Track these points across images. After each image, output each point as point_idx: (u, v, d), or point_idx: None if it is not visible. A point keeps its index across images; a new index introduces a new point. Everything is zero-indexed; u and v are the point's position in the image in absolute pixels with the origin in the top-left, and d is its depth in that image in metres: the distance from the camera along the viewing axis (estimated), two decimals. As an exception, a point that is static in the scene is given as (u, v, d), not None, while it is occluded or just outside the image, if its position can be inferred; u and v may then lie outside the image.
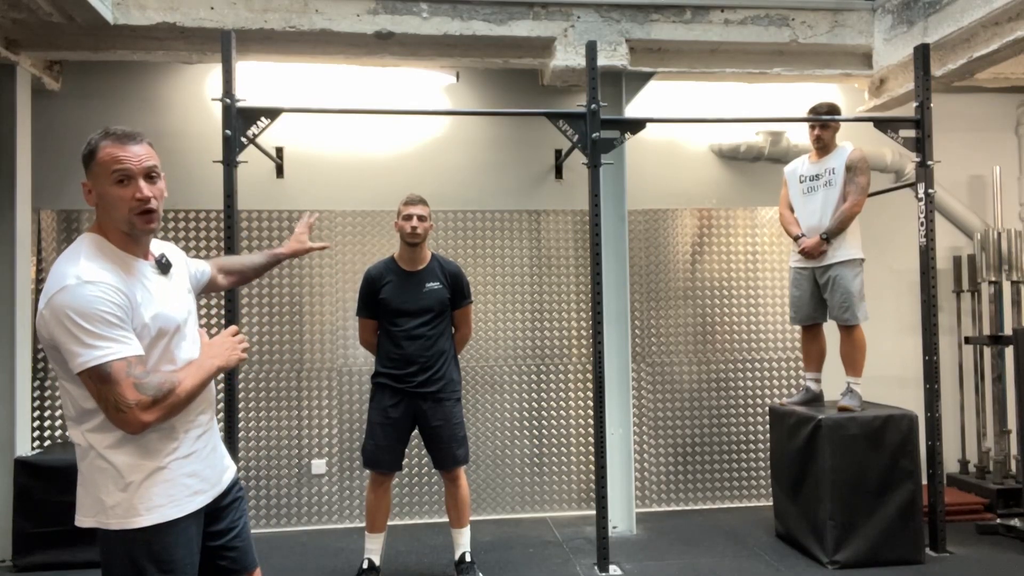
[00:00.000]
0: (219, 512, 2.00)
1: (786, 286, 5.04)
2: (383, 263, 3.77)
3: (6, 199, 4.27)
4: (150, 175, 1.81)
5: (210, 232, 4.82)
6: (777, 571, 3.92)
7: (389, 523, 3.82)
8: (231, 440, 3.65)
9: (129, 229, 1.80)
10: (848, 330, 4.19)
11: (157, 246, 1.97)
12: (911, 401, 4.50)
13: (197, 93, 4.90)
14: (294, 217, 4.90)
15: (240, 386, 4.54)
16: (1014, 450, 5.01)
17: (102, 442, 1.78)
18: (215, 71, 4.70)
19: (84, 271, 1.70)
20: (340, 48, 4.43)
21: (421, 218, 3.65)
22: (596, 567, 3.95)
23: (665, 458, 5.17)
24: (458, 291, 3.76)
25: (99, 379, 1.67)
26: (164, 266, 1.90)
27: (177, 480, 1.83)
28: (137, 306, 1.75)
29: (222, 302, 4.46)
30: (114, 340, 1.68)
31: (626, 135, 4.15)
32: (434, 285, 3.68)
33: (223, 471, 2.02)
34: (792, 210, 4.40)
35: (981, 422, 5.25)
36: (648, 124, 4.25)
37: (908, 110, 4.40)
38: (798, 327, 4.67)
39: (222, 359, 1.92)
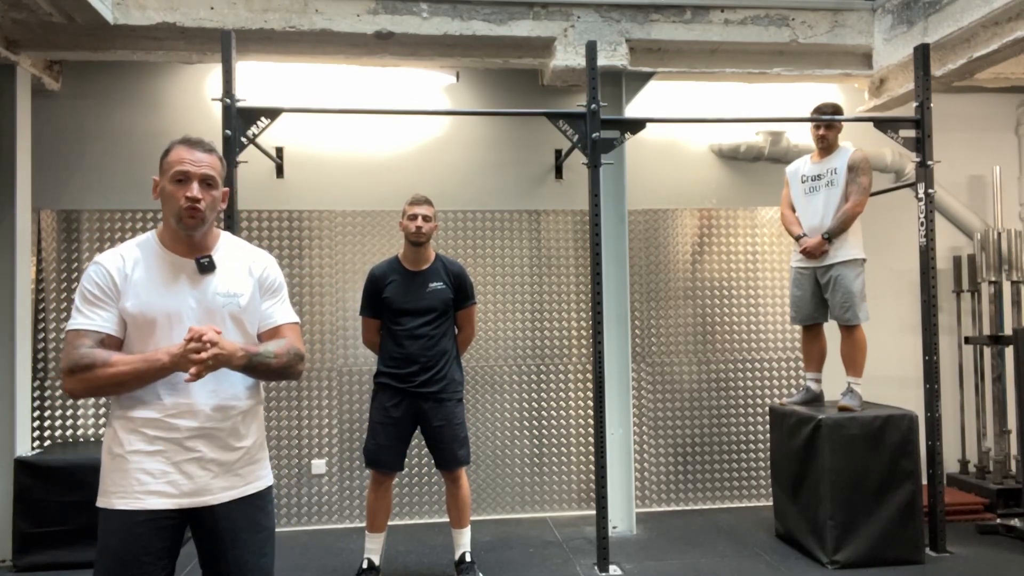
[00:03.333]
0: (208, 532, 1.99)
1: (786, 286, 5.04)
2: (387, 262, 3.78)
3: (6, 199, 4.27)
4: (207, 181, 1.97)
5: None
6: (777, 571, 3.92)
7: (389, 523, 3.82)
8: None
9: (176, 223, 1.97)
10: (849, 330, 4.19)
11: (234, 249, 2.11)
12: (911, 401, 4.50)
13: (197, 93, 4.90)
14: (294, 217, 4.90)
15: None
16: (1014, 450, 5.01)
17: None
18: (215, 71, 4.71)
19: (103, 254, 1.99)
20: (340, 48, 4.43)
21: (426, 218, 3.65)
22: (596, 567, 3.95)
23: (665, 458, 5.17)
24: (462, 291, 3.76)
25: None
26: (203, 266, 2.01)
27: (131, 473, 1.90)
28: (125, 291, 1.93)
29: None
30: (79, 313, 1.93)
31: (626, 135, 4.15)
32: (438, 285, 3.68)
33: (209, 490, 1.95)
34: (794, 210, 4.40)
35: (981, 422, 5.25)
36: (648, 124, 4.25)
37: (908, 110, 4.40)
38: (798, 327, 4.67)
39: (172, 358, 1.86)
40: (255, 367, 1.98)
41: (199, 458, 1.94)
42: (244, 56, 4.22)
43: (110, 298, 1.93)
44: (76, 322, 1.92)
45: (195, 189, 1.94)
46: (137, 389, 1.90)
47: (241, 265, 2.09)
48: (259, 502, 2.06)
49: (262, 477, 2.09)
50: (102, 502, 1.92)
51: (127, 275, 1.94)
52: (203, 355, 1.84)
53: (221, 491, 1.97)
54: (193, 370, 1.84)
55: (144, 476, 1.89)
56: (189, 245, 2.01)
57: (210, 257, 2.01)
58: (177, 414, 1.92)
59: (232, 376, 1.98)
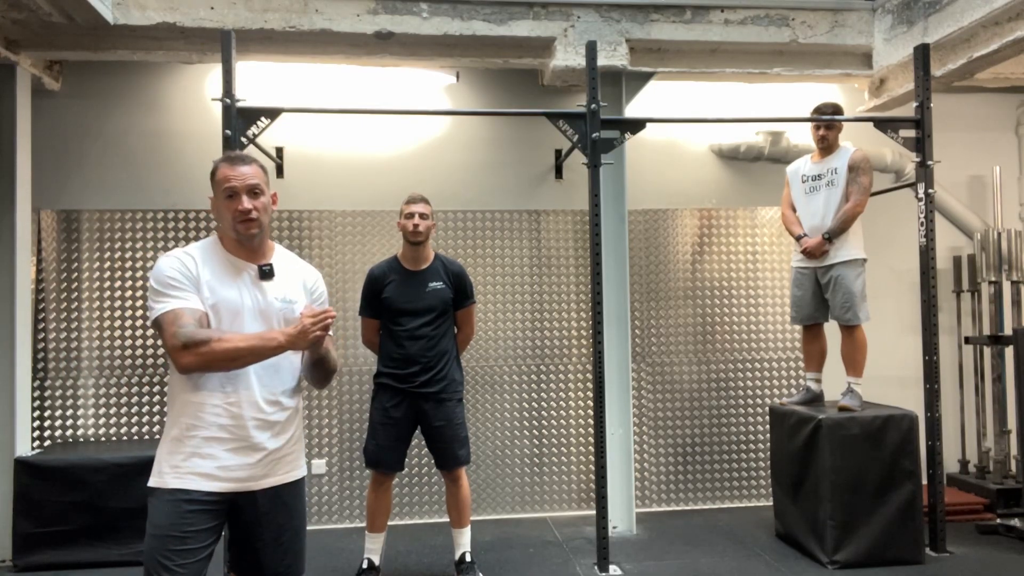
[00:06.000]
0: (248, 518, 2.13)
1: (786, 286, 5.04)
2: (386, 262, 3.78)
3: (6, 199, 4.27)
4: (253, 191, 2.14)
5: (210, 232, 4.81)
6: (777, 571, 3.92)
7: (389, 523, 3.82)
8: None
9: (234, 234, 2.15)
10: (849, 330, 4.19)
11: (288, 261, 2.28)
12: (911, 401, 4.50)
13: (197, 93, 4.90)
14: (294, 217, 4.90)
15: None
16: (1014, 450, 5.01)
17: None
18: (215, 71, 4.70)
19: (170, 252, 2.13)
20: (340, 48, 4.43)
21: (423, 216, 3.65)
22: (596, 567, 3.95)
23: (665, 458, 5.17)
24: (461, 291, 3.76)
25: (157, 328, 2.07)
26: (264, 273, 2.18)
27: (186, 455, 2.05)
28: (203, 283, 2.08)
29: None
30: (170, 297, 2.04)
31: (626, 135, 4.15)
32: (437, 285, 3.68)
33: (254, 476, 2.10)
34: (794, 210, 4.40)
35: (981, 422, 5.24)
36: (648, 124, 4.25)
37: (908, 110, 4.40)
38: (798, 327, 4.68)
39: (289, 338, 2.05)
40: (323, 359, 2.21)
41: (250, 447, 2.09)
42: (244, 56, 4.22)
43: (191, 281, 2.08)
44: (169, 304, 2.03)
45: (245, 202, 2.11)
46: (249, 365, 2.06)
47: (296, 276, 2.28)
48: (295, 490, 2.22)
49: (300, 467, 2.25)
50: (155, 482, 2.06)
51: (199, 269, 2.11)
52: (327, 322, 2.07)
53: (264, 478, 2.12)
54: (319, 332, 2.06)
55: (197, 459, 2.04)
56: (249, 251, 2.19)
57: (271, 265, 2.20)
58: (236, 403, 2.08)
59: (284, 374, 2.17)
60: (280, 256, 2.29)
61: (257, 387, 2.10)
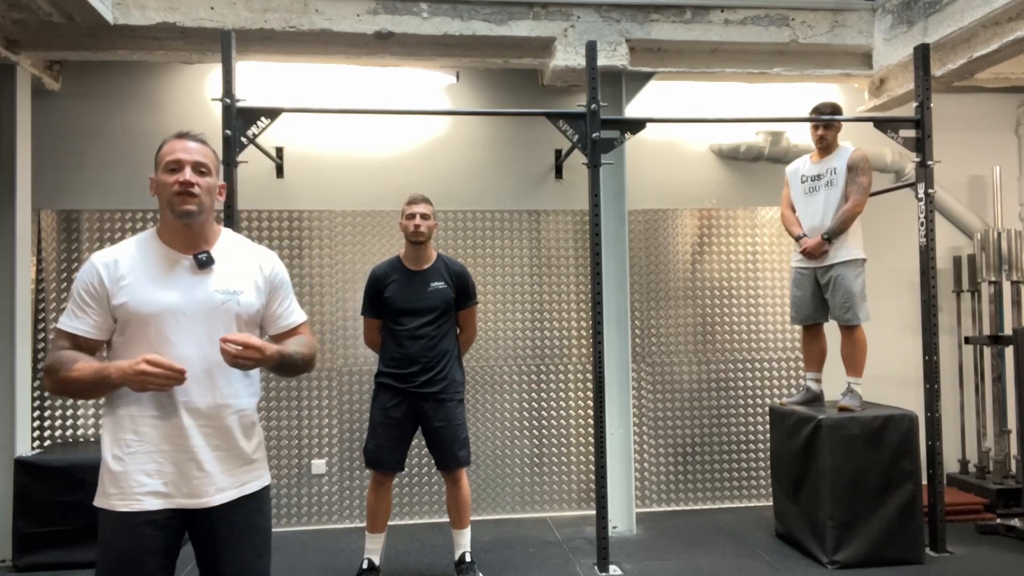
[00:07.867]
0: (205, 535, 1.98)
1: (786, 286, 5.04)
2: (388, 262, 3.78)
3: (6, 199, 4.27)
4: (199, 168, 1.96)
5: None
6: (777, 571, 3.92)
7: (389, 523, 3.82)
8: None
9: (171, 212, 1.94)
10: (849, 330, 4.19)
11: (235, 246, 2.07)
12: (911, 401, 4.50)
13: (197, 93, 4.90)
14: (294, 217, 4.90)
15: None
16: (1014, 450, 5.01)
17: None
18: (215, 71, 4.70)
19: (99, 252, 1.97)
20: (340, 48, 4.43)
21: (424, 216, 3.65)
22: (596, 567, 3.95)
23: (665, 458, 5.17)
24: (463, 291, 3.76)
25: None
26: (201, 262, 1.97)
27: (130, 474, 1.88)
28: (116, 291, 1.91)
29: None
30: (67, 313, 1.93)
31: (626, 135, 4.15)
32: (439, 285, 3.68)
33: (207, 491, 1.93)
34: (794, 210, 4.40)
35: (981, 422, 5.25)
36: (648, 124, 4.25)
37: (908, 110, 4.40)
38: (798, 327, 4.68)
39: (120, 374, 1.80)
40: (284, 366, 2.00)
41: (196, 458, 1.91)
42: (244, 56, 4.22)
43: (95, 300, 1.91)
44: (61, 321, 1.94)
45: (188, 173, 1.94)
46: (105, 393, 1.91)
47: (243, 262, 2.05)
48: (256, 503, 2.04)
49: (259, 477, 2.06)
50: (101, 503, 1.90)
51: (120, 275, 1.91)
52: (248, 355, 1.84)
53: (219, 492, 1.95)
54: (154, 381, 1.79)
55: (143, 477, 1.88)
56: (187, 239, 1.97)
57: (208, 252, 1.97)
58: (175, 412, 1.90)
59: (231, 375, 1.95)
60: (226, 241, 2.05)
61: (198, 392, 1.90)
